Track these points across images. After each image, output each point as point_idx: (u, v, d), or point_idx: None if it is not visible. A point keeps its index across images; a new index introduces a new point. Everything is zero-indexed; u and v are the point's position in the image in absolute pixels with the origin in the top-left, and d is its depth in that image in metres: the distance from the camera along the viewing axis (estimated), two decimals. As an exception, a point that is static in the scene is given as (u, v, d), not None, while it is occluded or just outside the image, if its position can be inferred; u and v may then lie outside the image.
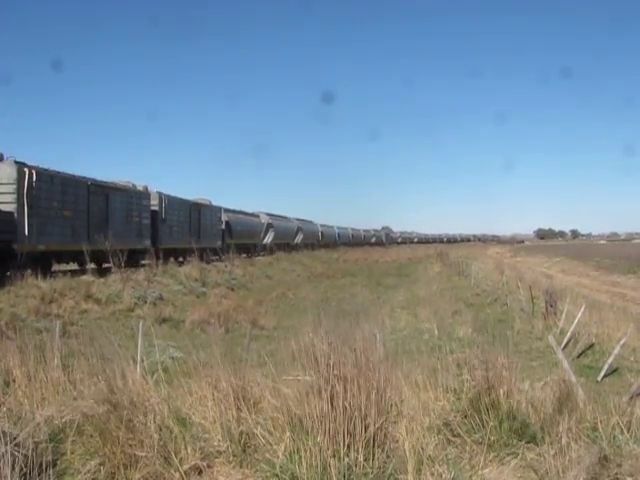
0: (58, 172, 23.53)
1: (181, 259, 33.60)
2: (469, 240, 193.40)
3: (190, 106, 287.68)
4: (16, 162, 20.98)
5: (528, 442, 5.42)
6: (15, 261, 18.94)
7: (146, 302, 21.04)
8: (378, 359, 5.76)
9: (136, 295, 21.34)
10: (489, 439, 5.41)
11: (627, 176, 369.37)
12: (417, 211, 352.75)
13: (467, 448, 5.40)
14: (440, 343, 10.44)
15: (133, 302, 20.61)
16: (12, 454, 4.57)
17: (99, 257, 24.01)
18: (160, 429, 5.34)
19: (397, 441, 5.31)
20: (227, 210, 45.12)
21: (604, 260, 65.65)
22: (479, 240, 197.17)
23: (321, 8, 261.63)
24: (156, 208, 32.26)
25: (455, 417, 5.80)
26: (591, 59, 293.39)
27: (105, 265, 24.35)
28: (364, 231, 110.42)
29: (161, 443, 5.18)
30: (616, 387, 9.38)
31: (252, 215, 52.94)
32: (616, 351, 11.13)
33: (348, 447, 4.99)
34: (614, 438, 5.33)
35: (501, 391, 5.74)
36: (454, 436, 5.59)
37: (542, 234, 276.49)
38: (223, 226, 43.27)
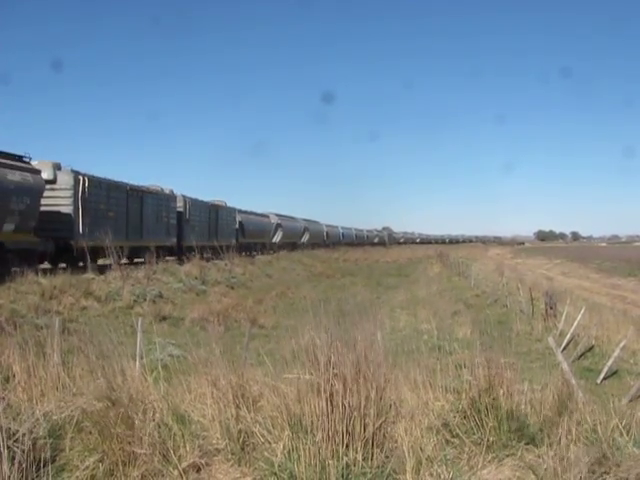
0: (104, 178, 26.89)
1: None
2: (471, 241, 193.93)
3: (190, 105, 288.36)
4: (72, 170, 24.29)
5: (527, 443, 5.42)
6: (71, 255, 21.78)
7: (146, 300, 21.04)
8: (377, 359, 5.76)
9: (136, 293, 21.34)
10: (488, 440, 5.40)
11: (628, 178, 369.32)
12: (417, 212, 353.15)
13: (466, 449, 5.40)
14: (440, 344, 10.44)
15: (133, 300, 20.61)
16: (11, 450, 4.57)
17: (137, 252, 27.52)
18: (159, 426, 5.34)
19: (396, 441, 5.31)
20: (240, 211, 48.21)
21: (605, 262, 65.68)
22: (481, 242, 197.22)
23: (321, 8, 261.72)
24: (181, 209, 35.78)
25: (454, 417, 5.80)
26: (591, 60, 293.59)
27: (136, 260, 27.38)
28: (367, 231, 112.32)
29: (160, 440, 5.18)
30: (616, 389, 9.38)
31: (262, 215, 55.85)
32: (616, 354, 11.13)
33: (347, 446, 4.99)
34: (613, 440, 5.32)
35: (501, 392, 5.73)
36: (453, 437, 5.59)
37: (543, 236, 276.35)
38: (237, 226, 46.67)
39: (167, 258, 29.98)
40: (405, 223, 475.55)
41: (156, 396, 5.81)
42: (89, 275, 22.30)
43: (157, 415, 5.47)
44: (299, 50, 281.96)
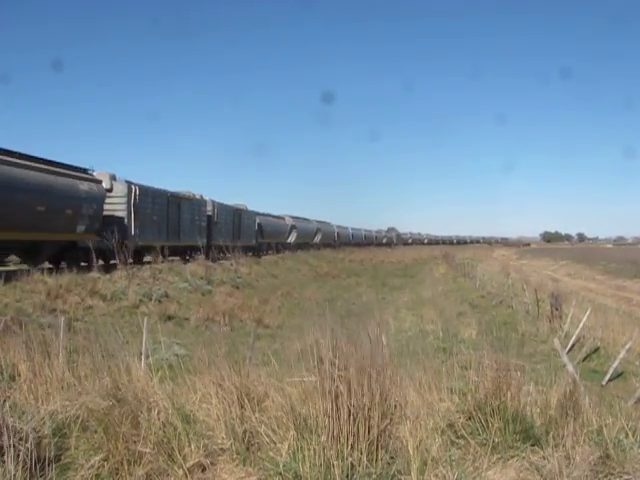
0: (150, 187, 30.81)
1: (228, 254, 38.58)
2: (478, 242, 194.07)
3: (190, 106, 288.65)
4: (126, 181, 28.31)
5: (532, 444, 5.40)
6: (126, 253, 23.75)
7: (151, 299, 21.09)
8: (383, 360, 5.75)
9: (141, 292, 21.39)
10: (493, 441, 5.39)
11: (634, 180, 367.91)
12: (422, 212, 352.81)
13: (471, 450, 5.38)
14: (445, 345, 10.43)
15: (138, 299, 20.65)
16: (16, 448, 4.58)
17: (175, 251, 31.40)
18: (164, 426, 5.34)
19: (401, 442, 5.30)
20: (259, 214, 52.61)
21: (610, 264, 65.51)
22: (487, 243, 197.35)
23: (322, 9, 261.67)
24: (210, 213, 39.86)
25: (459, 418, 5.78)
26: (591, 61, 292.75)
27: (172, 258, 30.41)
28: (375, 232, 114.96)
29: (165, 440, 5.18)
30: (621, 391, 9.36)
31: (278, 217, 59.97)
32: (621, 355, 11.12)
33: (352, 447, 4.98)
34: (619, 442, 5.30)
35: (509, 393, 5.71)
36: (458, 438, 5.58)
37: (548, 237, 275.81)
38: (256, 227, 50.81)
39: (198, 256, 32.76)
40: (410, 223, 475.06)
41: (161, 395, 5.81)
42: (95, 274, 22.35)
43: (162, 414, 5.47)
44: (300, 51, 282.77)
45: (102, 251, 24.26)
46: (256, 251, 47.17)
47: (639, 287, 40.49)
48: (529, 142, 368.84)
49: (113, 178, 27.87)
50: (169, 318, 18.99)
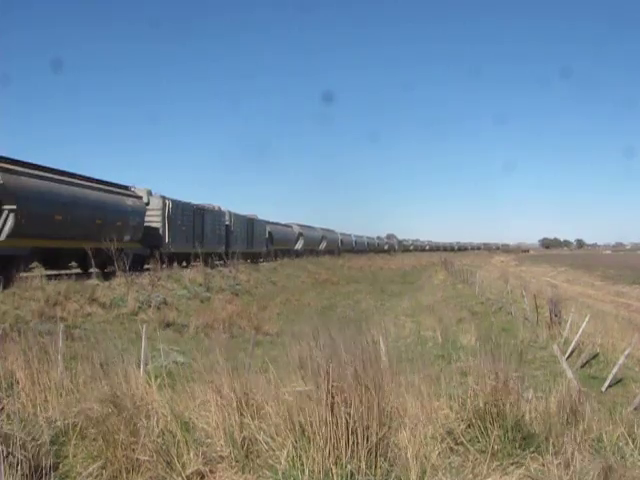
0: (180, 201, 34.89)
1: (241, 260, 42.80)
2: (479, 248, 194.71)
3: (190, 109, 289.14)
4: (161, 196, 32.58)
5: (532, 452, 5.38)
6: (160, 259, 27.01)
7: (150, 306, 21.04)
8: (381, 367, 5.74)
9: (140, 299, 21.34)
10: (493, 448, 5.37)
11: (633, 186, 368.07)
12: (420, 219, 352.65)
13: (470, 457, 5.37)
14: (444, 352, 10.42)
15: (137, 306, 20.60)
16: (14, 456, 4.57)
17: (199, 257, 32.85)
18: (163, 433, 5.33)
19: (400, 449, 5.28)
20: (269, 222, 56.75)
21: (609, 270, 65.50)
22: (488, 249, 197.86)
23: (321, 13, 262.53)
24: (228, 223, 43.95)
25: (459, 426, 5.77)
26: (591, 62, 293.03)
27: (193, 263, 32.48)
28: (377, 239, 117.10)
29: (164, 447, 5.17)
30: (621, 398, 9.34)
31: (286, 226, 63.82)
32: (621, 361, 11.10)
33: (351, 455, 4.96)
34: (619, 449, 5.30)
35: (508, 401, 5.70)
36: (457, 445, 5.56)
37: (547, 243, 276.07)
38: (267, 235, 54.64)
39: (217, 262, 36.58)
40: (409, 230, 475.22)
41: (160, 403, 5.80)
42: (93, 281, 22.32)
43: (161, 422, 5.46)
44: (300, 54, 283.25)
45: (142, 257, 27.66)
46: (267, 257, 51.97)
47: (638, 293, 40.48)
48: (528, 148, 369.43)
49: (150, 193, 31.99)
50: (168, 325, 18.94)
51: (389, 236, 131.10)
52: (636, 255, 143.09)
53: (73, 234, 23.06)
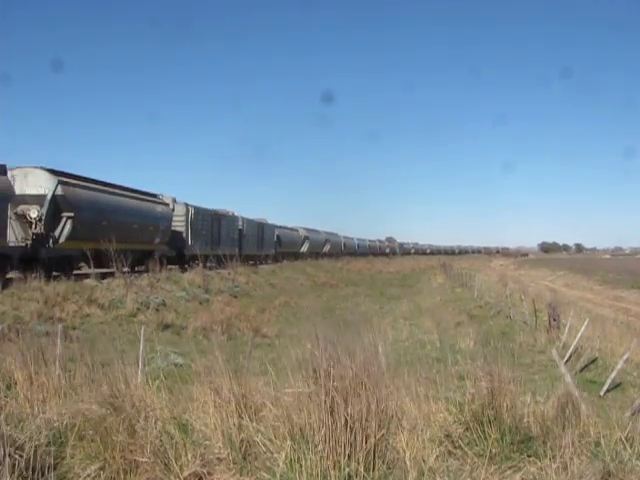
0: (200, 207, 39.03)
1: (252, 262, 48.52)
2: (480, 252, 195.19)
3: (190, 110, 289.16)
4: (185, 203, 36.96)
5: (530, 456, 5.37)
6: (184, 259, 32.61)
7: (149, 308, 21.05)
8: (379, 370, 5.74)
9: (139, 300, 21.35)
10: (490, 452, 5.37)
11: (632, 191, 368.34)
12: (419, 222, 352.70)
13: (468, 460, 5.36)
14: (442, 355, 10.41)
15: (136, 307, 20.62)
16: (12, 457, 4.57)
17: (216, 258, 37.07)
18: (161, 435, 5.32)
19: (398, 452, 5.28)
20: (277, 226, 60.00)
21: (608, 274, 65.57)
22: (488, 253, 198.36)
23: (322, 14, 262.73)
24: (241, 227, 47.88)
25: (457, 429, 5.77)
26: (591, 62, 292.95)
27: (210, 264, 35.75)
28: (379, 242, 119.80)
29: (162, 449, 5.16)
30: (619, 402, 9.34)
31: (293, 229, 67.32)
32: (619, 366, 11.10)
33: (349, 457, 4.96)
34: (617, 453, 5.29)
35: (504, 404, 5.70)
36: (455, 448, 5.56)
37: (546, 247, 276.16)
38: (275, 238, 58.41)
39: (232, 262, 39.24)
40: (408, 233, 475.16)
41: (158, 404, 5.80)
42: (92, 282, 22.32)
43: (159, 423, 5.46)
44: (300, 56, 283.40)
45: (169, 258, 30.72)
46: (275, 259, 55.61)
47: (637, 297, 40.53)
48: (527, 152, 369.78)
49: (174, 201, 36.07)
50: (166, 327, 18.95)
51: (388, 239, 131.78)
52: (635, 259, 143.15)
53: (119, 237, 24.85)
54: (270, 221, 58.33)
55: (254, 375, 6.82)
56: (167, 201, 35.30)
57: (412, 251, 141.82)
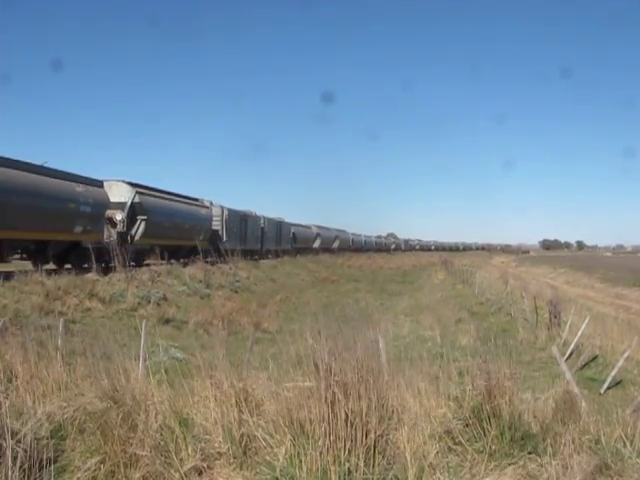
0: (232, 209, 44.54)
1: (270, 256, 52.80)
2: (483, 249, 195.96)
3: (190, 108, 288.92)
4: (220, 206, 42.38)
5: (530, 452, 5.38)
6: (220, 253, 33.20)
7: (150, 302, 21.05)
8: (380, 365, 5.74)
9: (140, 295, 21.34)
10: (490, 448, 5.37)
11: (634, 188, 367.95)
12: (421, 218, 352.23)
13: (468, 456, 5.37)
14: (442, 351, 10.40)
15: (137, 302, 20.60)
16: (13, 449, 4.58)
17: (244, 253, 42.18)
18: (161, 429, 5.33)
19: (398, 448, 5.29)
20: (293, 224, 65.40)
21: (609, 272, 65.45)
22: (491, 249, 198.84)
23: (321, 11, 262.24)
24: (262, 225, 53.19)
25: (457, 425, 5.77)
26: (592, 62, 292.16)
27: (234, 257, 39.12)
28: (384, 238, 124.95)
29: (162, 443, 5.17)
30: (619, 399, 9.34)
31: (306, 227, 71.85)
32: (620, 364, 11.11)
33: (349, 452, 4.97)
34: (617, 451, 5.29)
35: (503, 400, 5.69)
36: (455, 444, 5.56)
37: (547, 245, 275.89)
38: (291, 235, 63.96)
39: (255, 257, 46.94)
40: (409, 229, 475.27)
41: (159, 398, 5.81)
42: (93, 276, 22.32)
43: (159, 417, 5.47)
44: (299, 53, 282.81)
45: (208, 252, 33.02)
46: (291, 253, 59.63)
47: (638, 295, 40.50)
48: (529, 149, 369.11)
49: (212, 204, 41.79)
50: (167, 321, 18.96)
51: (389, 235, 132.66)
52: (637, 257, 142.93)
53: (173, 235, 32.88)
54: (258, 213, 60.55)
55: (255, 370, 6.83)
56: (207, 204, 41.30)
57: (417, 247, 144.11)
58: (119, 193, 28.94)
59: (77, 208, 24.09)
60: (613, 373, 11.04)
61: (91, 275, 22.50)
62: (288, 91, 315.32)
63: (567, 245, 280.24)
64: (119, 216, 28.43)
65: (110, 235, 27.43)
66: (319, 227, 76.00)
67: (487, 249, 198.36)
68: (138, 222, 29.53)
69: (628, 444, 5.39)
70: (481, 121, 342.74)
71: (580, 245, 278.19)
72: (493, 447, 5.42)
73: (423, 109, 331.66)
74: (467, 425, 5.74)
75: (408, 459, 5.00)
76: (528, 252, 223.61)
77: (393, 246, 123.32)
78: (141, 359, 7.55)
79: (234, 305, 22.63)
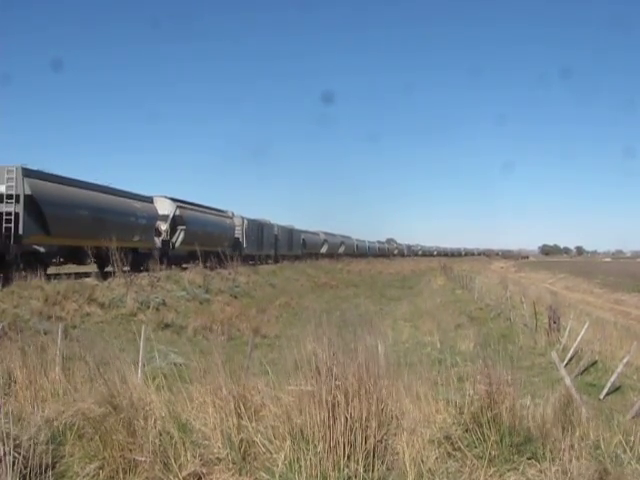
0: (250, 218, 50.43)
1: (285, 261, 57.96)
2: (486, 255, 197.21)
3: (189, 111, 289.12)
4: (241, 216, 48.29)
5: (529, 458, 5.36)
6: (241, 258, 38.73)
7: (149, 307, 21.03)
8: (379, 371, 5.74)
9: (139, 300, 21.31)
10: (490, 454, 5.36)
11: (634, 194, 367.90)
12: (419, 223, 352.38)
13: (467, 462, 5.35)
14: (442, 356, 10.39)
15: (136, 307, 20.58)
16: (12, 455, 4.56)
17: (260, 258, 51.96)
18: (160, 434, 5.32)
19: (397, 453, 5.28)
20: (302, 231, 71.01)
21: (609, 278, 65.47)
22: (492, 254, 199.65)
23: (322, 15, 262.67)
24: (276, 233, 58.93)
25: (456, 431, 5.76)
26: (592, 65, 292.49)
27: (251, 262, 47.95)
28: (387, 244, 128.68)
29: (161, 448, 5.16)
30: (619, 405, 9.33)
31: (315, 234, 77.47)
32: (619, 369, 11.08)
33: (348, 458, 4.96)
34: (616, 456, 5.29)
35: (503, 406, 5.69)
36: (455, 450, 5.55)
37: (547, 250, 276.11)
38: (301, 241, 69.66)
39: (269, 262, 53.79)
40: (408, 235, 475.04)
41: (158, 404, 5.80)
42: (92, 281, 22.30)
43: (158, 423, 5.46)
44: (300, 56, 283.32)
45: (231, 257, 36.48)
46: (300, 258, 64.56)
47: (637, 301, 40.46)
48: (528, 154, 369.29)
49: (233, 214, 47.23)
50: (166, 326, 18.94)
51: (388, 241, 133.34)
52: (636, 263, 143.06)
53: (205, 242, 36.74)
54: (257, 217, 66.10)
55: (254, 375, 6.82)
56: (229, 215, 46.85)
57: (420, 252, 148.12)
58: (164, 207, 34.96)
59: (136, 221, 30.52)
60: (612, 379, 11.02)
61: (90, 280, 22.49)
62: (288, 95, 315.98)
63: (566, 250, 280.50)
64: (164, 226, 34.66)
65: (156, 243, 33.56)
66: (326, 234, 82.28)
67: (486, 254, 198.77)
68: (178, 231, 35.90)
69: (628, 450, 5.39)
70: (480, 125, 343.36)
71: (579, 250, 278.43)
72: (493, 453, 5.41)
73: (423, 114, 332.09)
74: (467, 430, 5.72)
75: (407, 465, 4.99)
76: (527, 257, 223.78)
77: (396, 251, 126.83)
78: (140, 364, 7.54)
79: (233, 310, 22.62)
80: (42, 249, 22.62)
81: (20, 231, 21.26)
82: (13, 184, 21.31)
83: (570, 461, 5.03)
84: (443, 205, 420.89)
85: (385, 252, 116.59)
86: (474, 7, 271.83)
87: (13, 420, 5.46)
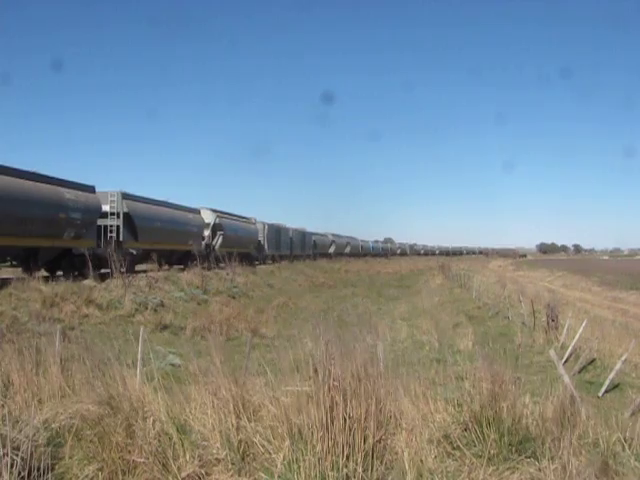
0: (270, 223, 57.49)
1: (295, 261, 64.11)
2: (481, 253, 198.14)
3: (190, 110, 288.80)
4: (262, 222, 55.49)
5: (528, 457, 5.36)
6: (263, 259, 49.37)
7: (147, 308, 21.00)
8: (378, 370, 5.73)
9: (137, 301, 21.30)
10: (489, 453, 5.36)
11: (631, 192, 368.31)
12: (418, 222, 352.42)
13: (467, 461, 5.35)
14: (440, 356, 10.39)
15: (134, 308, 20.56)
16: (10, 457, 4.55)
17: (279, 257, 58.33)
18: (159, 435, 5.31)
19: (396, 453, 5.28)
20: (313, 233, 78.23)
21: (606, 275, 65.48)
22: (493, 253, 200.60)
23: (322, 14, 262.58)
24: (291, 235, 66.82)
25: (455, 430, 5.75)
26: (592, 64, 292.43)
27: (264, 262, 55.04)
28: (390, 243, 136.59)
29: (160, 449, 5.15)
30: (618, 403, 9.34)
31: (323, 235, 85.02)
32: (617, 367, 11.10)
33: (347, 458, 4.96)
34: (615, 454, 5.29)
35: (505, 404, 5.69)
36: (454, 449, 5.54)
37: (545, 248, 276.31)
38: (312, 243, 76.90)
39: (283, 261, 58.26)
40: (406, 234, 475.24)
41: (156, 405, 5.79)
42: (90, 283, 22.28)
43: (157, 424, 5.45)
44: (300, 55, 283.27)
45: (256, 257, 46.97)
46: (311, 258, 71.97)
47: (635, 298, 40.47)
48: (526, 153, 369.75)
49: (256, 220, 54.44)
50: (165, 327, 18.91)
51: (387, 240, 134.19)
52: (634, 261, 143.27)
53: (237, 245, 44.24)
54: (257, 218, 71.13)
55: (252, 375, 6.81)
56: (253, 221, 54.11)
57: (422, 252, 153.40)
58: (206, 216, 42.64)
59: (191, 229, 39.22)
60: (611, 376, 11.03)
61: (88, 282, 22.47)
62: (288, 94, 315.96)
63: (564, 249, 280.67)
64: (206, 232, 42.24)
65: (200, 245, 38.91)
66: (334, 235, 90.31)
67: (484, 253, 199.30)
68: (217, 236, 43.55)
69: (627, 447, 5.39)
70: (479, 124, 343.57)
71: (577, 248, 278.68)
72: (492, 451, 5.40)
73: (424, 112, 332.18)
74: (466, 430, 5.72)
75: (406, 464, 4.99)
76: (525, 256, 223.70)
77: (399, 251, 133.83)
78: (138, 365, 7.52)
79: (231, 311, 22.56)
80: (134, 251, 30.42)
81: (121, 238, 29.68)
82: (115, 205, 29.63)
83: (569, 459, 5.03)
84: (441, 204, 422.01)
85: (388, 251, 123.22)
86: (474, 7, 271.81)
87: (11, 422, 5.46)
